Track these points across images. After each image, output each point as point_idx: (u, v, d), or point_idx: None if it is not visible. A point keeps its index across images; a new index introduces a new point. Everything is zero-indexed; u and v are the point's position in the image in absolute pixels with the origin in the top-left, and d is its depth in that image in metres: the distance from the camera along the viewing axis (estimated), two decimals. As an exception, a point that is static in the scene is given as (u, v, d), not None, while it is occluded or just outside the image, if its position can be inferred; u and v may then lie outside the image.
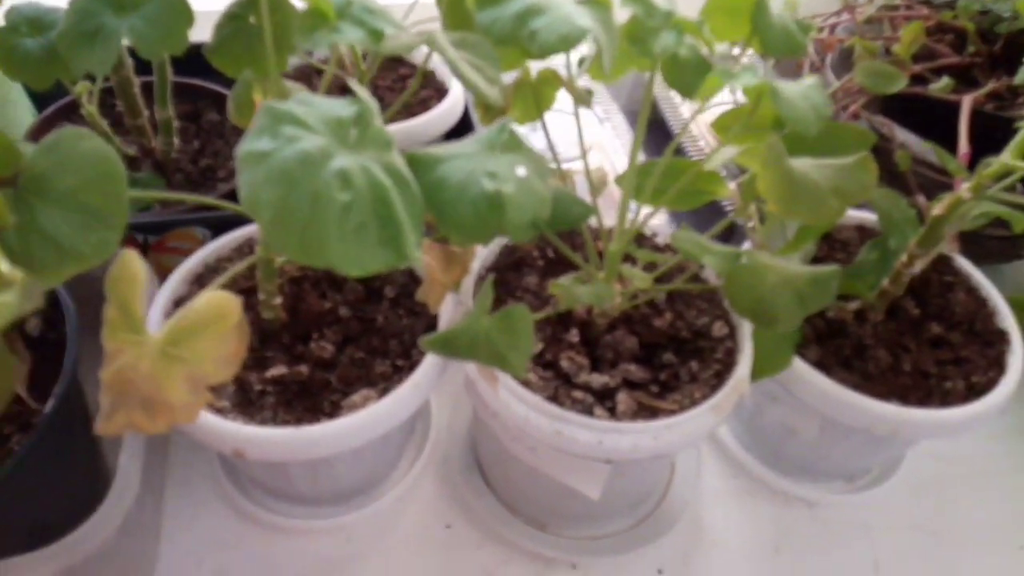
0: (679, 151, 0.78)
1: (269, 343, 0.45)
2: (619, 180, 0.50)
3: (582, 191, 0.48)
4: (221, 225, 0.53)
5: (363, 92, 0.29)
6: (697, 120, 0.76)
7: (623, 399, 0.40)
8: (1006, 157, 0.37)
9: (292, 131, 0.27)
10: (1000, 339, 0.48)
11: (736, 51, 0.47)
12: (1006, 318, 0.49)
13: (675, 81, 0.38)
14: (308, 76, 0.69)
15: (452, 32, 0.47)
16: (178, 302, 0.47)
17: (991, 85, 0.61)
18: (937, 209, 0.41)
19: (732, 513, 0.54)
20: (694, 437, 0.40)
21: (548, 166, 0.33)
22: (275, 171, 0.26)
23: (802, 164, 0.41)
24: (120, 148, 0.57)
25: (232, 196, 0.58)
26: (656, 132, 0.77)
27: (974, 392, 0.45)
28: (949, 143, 0.61)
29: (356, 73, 0.64)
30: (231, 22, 0.48)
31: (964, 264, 0.54)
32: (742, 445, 0.57)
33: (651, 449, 0.39)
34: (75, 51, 0.38)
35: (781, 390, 0.48)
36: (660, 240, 0.51)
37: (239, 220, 0.52)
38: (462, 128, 0.65)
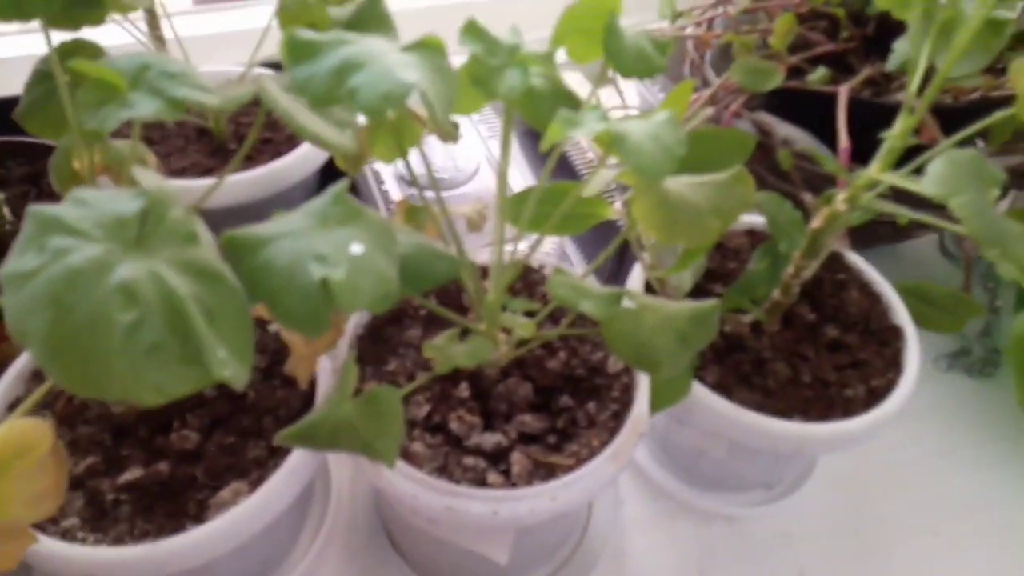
0: (568, 167, 0.75)
1: (123, 439, 0.40)
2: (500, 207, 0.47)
3: (463, 227, 0.46)
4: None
5: (151, 178, 0.25)
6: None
7: (517, 459, 0.37)
8: (873, 170, 0.35)
9: (61, 242, 0.23)
10: (895, 336, 0.48)
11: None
12: (900, 313, 0.49)
13: (533, 117, 0.36)
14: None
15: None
16: (13, 405, 0.41)
17: (865, 72, 0.61)
18: (816, 222, 0.40)
19: (654, 539, 0.52)
20: (595, 491, 0.37)
21: (394, 232, 0.30)
22: (41, 294, 0.22)
23: (678, 185, 0.39)
24: (-59, 227, 0.51)
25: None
26: (537, 147, 0.74)
27: (874, 396, 0.45)
28: (832, 132, 0.61)
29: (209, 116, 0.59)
30: (41, 82, 0.43)
31: (855, 259, 0.53)
32: (659, 464, 0.56)
33: (550, 511, 0.36)
34: None
35: (685, 413, 0.46)
36: (548, 271, 0.49)
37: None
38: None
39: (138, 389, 0.22)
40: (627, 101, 0.71)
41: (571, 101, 0.37)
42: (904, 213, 0.40)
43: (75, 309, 0.22)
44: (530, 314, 0.41)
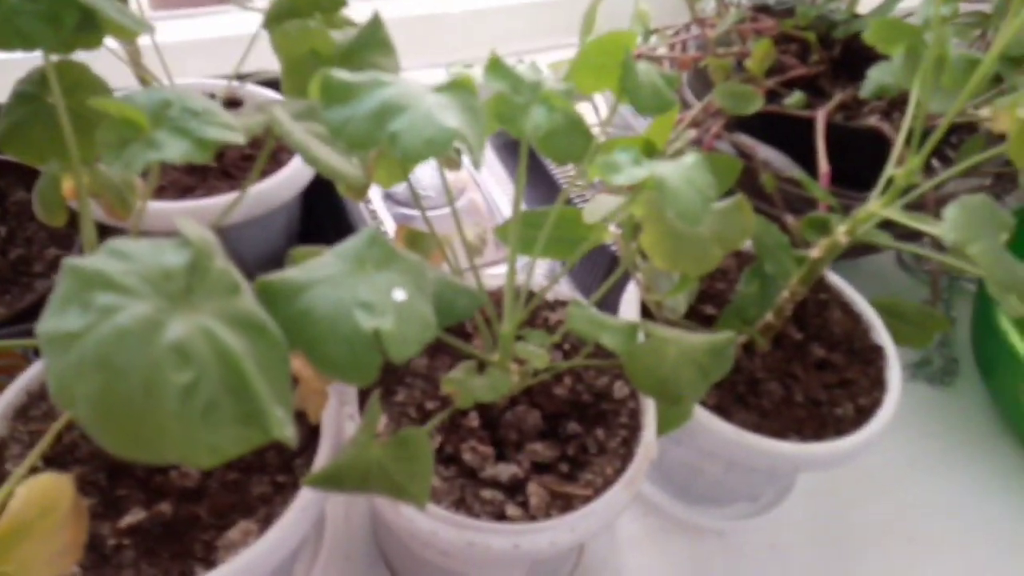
0: (545, 175, 0.76)
1: (120, 479, 0.39)
2: (501, 233, 0.47)
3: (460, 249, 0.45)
4: (45, 336, 0.45)
5: (193, 229, 0.24)
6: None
7: (534, 491, 0.38)
8: (875, 205, 0.37)
9: (107, 299, 0.22)
10: (877, 355, 0.50)
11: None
12: (879, 332, 0.51)
13: (551, 152, 0.36)
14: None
15: (295, 99, 0.42)
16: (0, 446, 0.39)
17: (839, 97, 0.64)
18: (816, 252, 0.42)
19: (650, 556, 0.53)
20: (611, 519, 0.38)
21: (427, 273, 0.30)
22: (89, 357, 0.21)
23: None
24: (-99, 252, 0.48)
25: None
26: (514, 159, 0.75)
27: (862, 415, 0.47)
28: (806, 152, 0.63)
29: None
30: (24, 104, 0.40)
31: (835, 280, 0.55)
32: (650, 481, 0.57)
33: (569, 541, 0.36)
34: None
35: (684, 435, 0.47)
36: (550, 296, 0.49)
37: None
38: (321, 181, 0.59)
39: (193, 452, 0.22)
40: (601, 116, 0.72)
41: (586, 135, 0.37)
42: (899, 247, 0.42)
43: (128, 372, 0.21)
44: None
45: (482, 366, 0.39)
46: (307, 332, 0.26)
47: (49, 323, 0.22)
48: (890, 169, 0.37)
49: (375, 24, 0.44)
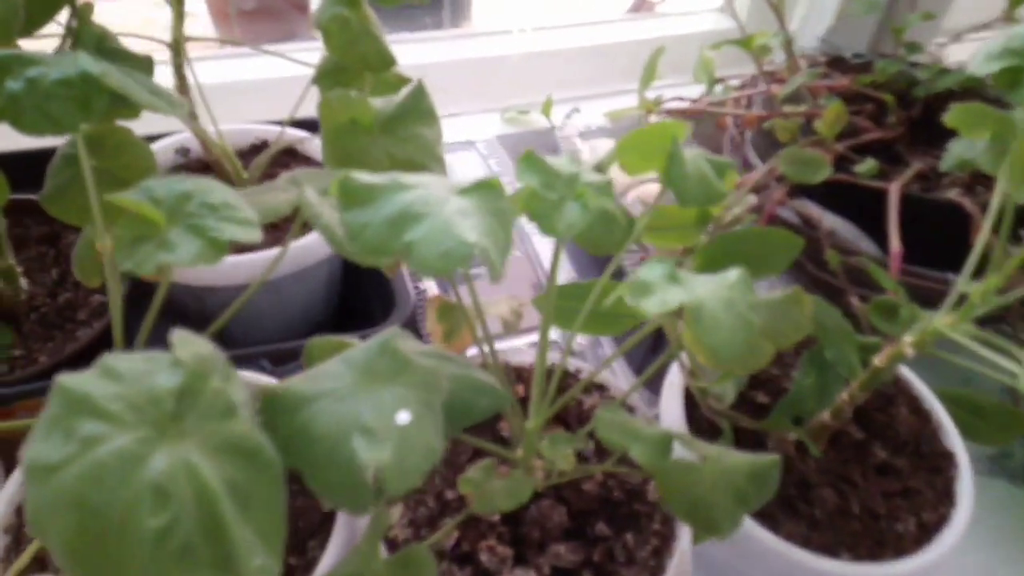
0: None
1: None
2: (539, 303, 0.45)
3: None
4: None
5: (188, 346, 0.23)
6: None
7: (552, 604, 0.35)
8: (945, 321, 0.33)
9: (91, 428, 0.21)
10: (947, 463, 0.46)
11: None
12: (950, 435, 0.47)
13: (588, 246, 0.34)
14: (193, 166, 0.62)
15: (335, 169, 0.42)
16: (22, 509, 0.39)
17: (915, 167, 0.59)
18: (879, 361, 0.38)
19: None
20: (634, 642, 0.35)
21: (440, 382, 0.28)
22: (67, 492, 0.20)
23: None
24: (-45, 297, 0.49)
25: (100, 342, 0.50)
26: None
27: (925, 532, 0.42)
28: (877, 221, 0.58)
29: (231, 169, 0.57)
30: (68, 167, 0.41)
31: (903, 371, 0.51)
32: (688, 570, 0.53)
33: (586, 665, 0.34)
34: None
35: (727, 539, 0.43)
36: (584, 375, 0.47)
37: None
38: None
39: (165, 598, 0.20)
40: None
41: (623, 227, 0.35)
42: (964, 364, 0.38)
43: (103, 512, 0.20)
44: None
45: (505, 461, 0.37)
46: (305, 452, 0.25)
47: (33, 449, 0.21)
48: (963, 282, 0.33)
49: (418, 93, 0.43)
